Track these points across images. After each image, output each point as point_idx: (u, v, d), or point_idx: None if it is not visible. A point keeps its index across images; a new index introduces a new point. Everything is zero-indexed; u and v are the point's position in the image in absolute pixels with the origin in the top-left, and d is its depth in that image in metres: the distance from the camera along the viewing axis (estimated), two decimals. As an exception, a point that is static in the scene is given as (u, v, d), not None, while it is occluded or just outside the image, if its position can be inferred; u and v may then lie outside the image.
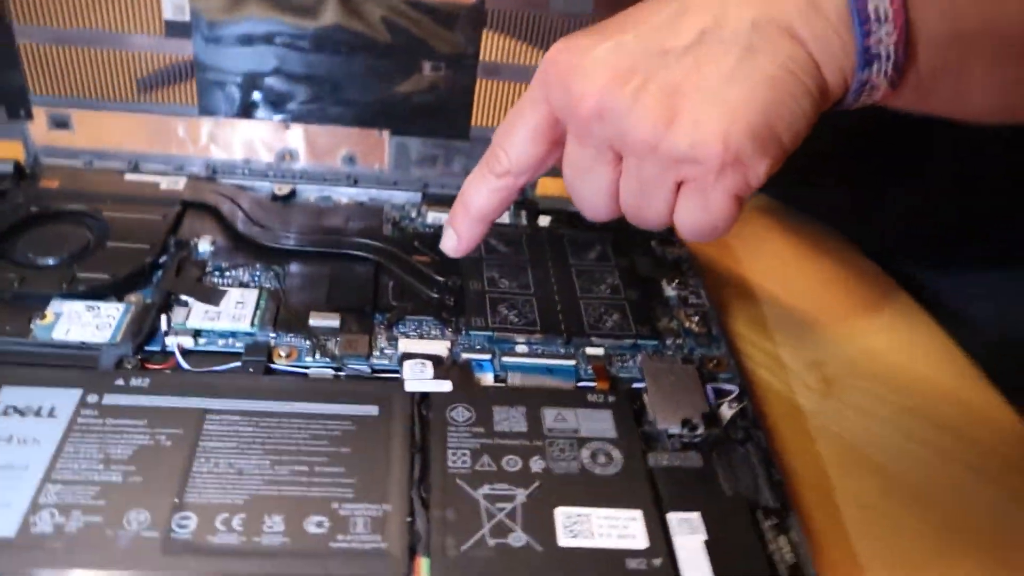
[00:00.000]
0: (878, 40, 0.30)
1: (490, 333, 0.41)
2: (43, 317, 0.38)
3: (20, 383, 0.34)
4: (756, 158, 0.31)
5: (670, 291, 0.46)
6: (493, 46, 0.46)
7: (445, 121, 0.49)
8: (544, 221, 0.49)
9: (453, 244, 0.39)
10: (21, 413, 0.33)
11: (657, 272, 0.47)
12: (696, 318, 0.44)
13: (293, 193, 0.49)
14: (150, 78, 0.48)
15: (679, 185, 0.33)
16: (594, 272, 0.45)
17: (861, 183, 0.56)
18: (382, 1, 0.45)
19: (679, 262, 0.48)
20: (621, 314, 0.43)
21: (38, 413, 0.33)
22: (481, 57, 0.47)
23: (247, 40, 0.45)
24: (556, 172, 0.35)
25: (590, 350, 0.41)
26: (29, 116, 0.47)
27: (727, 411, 0.39)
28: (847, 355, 0.47)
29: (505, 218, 0.49)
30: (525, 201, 0.51)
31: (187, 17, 0.44)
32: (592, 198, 0.35)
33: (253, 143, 0.49)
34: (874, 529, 0.37)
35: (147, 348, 0.38)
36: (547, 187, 0.52)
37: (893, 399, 0.44)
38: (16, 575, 0.28)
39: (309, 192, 0.50)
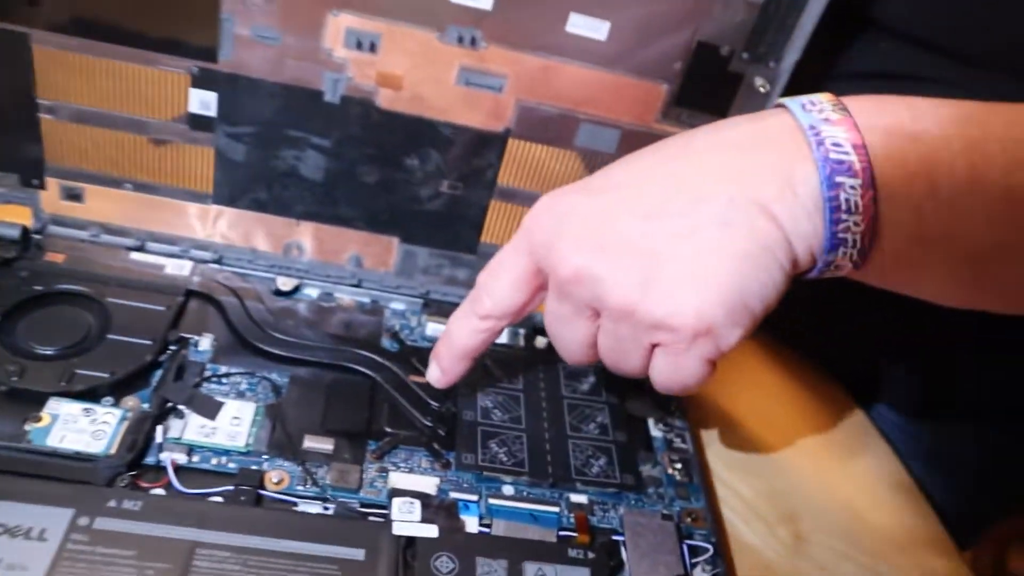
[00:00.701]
0: (846, 228, 0.33)
1: (479, 472, 0.41)
2: (39, 419, 0.38)
3: (13, 498, 0.34)
4: (728, 328, 0.33)
5: (656, 432, 0.47)
6: (512, 171, 0.47)
7: (455, 234, 0.49)
8: (541, 343, 0.50)
9: (437, 376, 0.42)
10: (11, 533, 0.33)
11: (646, 411, 0.47)
12: (679, 465, 0.45)
13: (297, 288, 0.49)
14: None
15: (654, 346, 0.35)
16: (584, 408, 0.46)
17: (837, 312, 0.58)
18: (411, 117, 0.45)
19: (668, 400, 0.48)
20: (607, 458, 0.44)
21: (28, 535, 0.33)
22: (499, 180, 0.48)
23: (270, 142, 0.46)
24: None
25: (574, 497, 0.42)
26: (42, 186, 0.47)
27: (700, 574, 0.40)
28: (821, 506, 0.48)
29: (504, 338, 0.49)
30: (525, 320, 0.51)
31: (213, 113, 0.45)
32: (571, 347, 0.38)
33: (262, 234, 0.49)
34: None
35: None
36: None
37: (861, 560, 0.46)
38: None
39: (312, 288, 0.50)
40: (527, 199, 0.48)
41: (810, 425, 0.54)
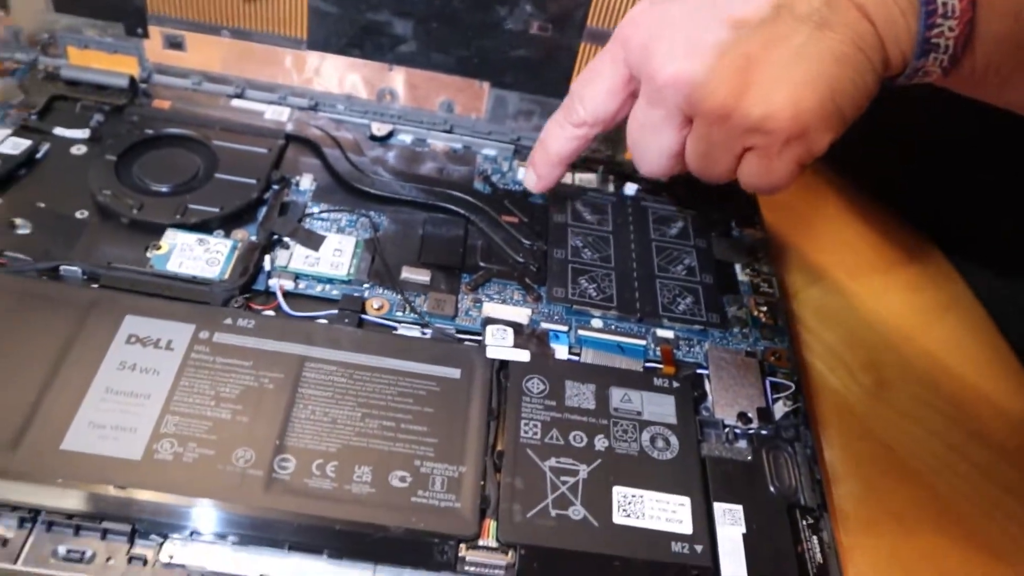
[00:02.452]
0: (939, 33, 0.32)
1: (569, 306, 0.43)
2: (159, 247, 0.41)
3: (141, 313, 0.37)
4: (821, 131, 0.33)
5: (743, 276, 0.47)
6: (602, 12, 0.46)
7: (546, 78, 0.49)
8: (631, 189, 0.50)
9: (533, 182, 0.44)
10: (142, 343, 0.36)
11: (733, 256, 0.48)
12: (765, 308, 0.45)
13: (391, 134, 0.51)
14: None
15: (746, 149, 0.35)
16: (673, 250, 0.47)
17: (937, 169, 0.56)
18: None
19: (756, 247, 0.49)
20: (694, 298, 0.44)
21: (157, 344, 0.36)
22: (589, 21, 0.47)
23: (362, -18, 0.46)
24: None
25: (660, 332, 0.43)
26: (145, 35, 0.49)
27: (781, 408, 0.41)
28: (904, 356, 0.48)
29: (593, 183, 0.50)
30: (614, 165, 0.52)
31: (306, -47, 0.45)
32: (655, 157, 0.38)
33: (356, 80, 0.50)
34: (901, 539, 0.40)
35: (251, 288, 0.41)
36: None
37: (943, 408, 0.46)
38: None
39: (405, 134, 0.51)
40: None
41: (899, 278, 0.53)
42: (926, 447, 0.43)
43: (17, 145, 0.45)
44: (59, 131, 0.46)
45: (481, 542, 0.33)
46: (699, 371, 0.42)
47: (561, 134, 0.41)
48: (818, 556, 0.36)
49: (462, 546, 0.33)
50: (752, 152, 0.34)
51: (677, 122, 0.36)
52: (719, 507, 0.36)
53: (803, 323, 0.48)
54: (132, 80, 0.50)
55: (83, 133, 0.46)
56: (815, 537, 0.36)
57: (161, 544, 0.31)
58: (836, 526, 0.37)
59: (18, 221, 0.41)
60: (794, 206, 0.56)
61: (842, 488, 0.41)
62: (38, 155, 0.45)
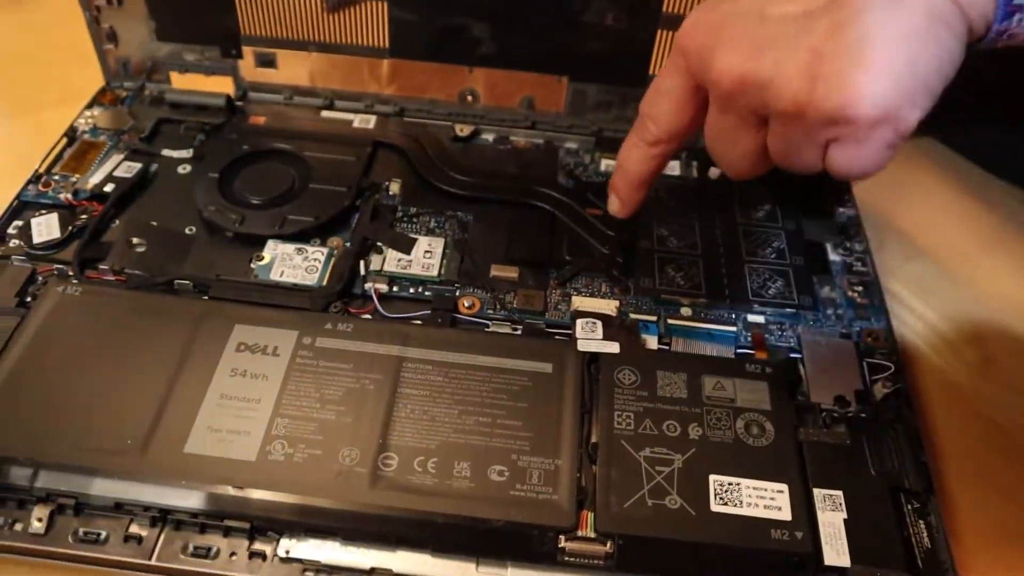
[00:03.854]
0: None
1: (657, 296, 0.43)
2: (261, 258, 0.43)
3: (249, 322, 0.39)
4: (906, 110, 0.31)
5: (835, 256, 0.46)
6: (677, -1, 0.47)
7: (624, 68, 0.49)
8: (714, 174, 0.50)
9: (617, 207, 0.42)
10: (251, 350, 0.38)
11: (824, 236, 0.47)
12: (859, 288, 0.45)
13: (474, 134, 0.52)
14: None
15: (830, 141, 0.33)
16: (760, 234, 0.46)
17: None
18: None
19: (848, 226, 0.48)
20: (784, 281, 0.44)
21: (264, 351, 0.38)
22: (664, 8, 0.47)
23: (439, -9, 0.47)
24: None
25: (751, 317, 0.43)
26: (239, 55, 0.52)
27: (880, 389, 0.40)
28: (1012, 330, 0.46)
29: (676, 169, 0.50)
30: (697, 151, 0.51)
31: (385, -32, 0.47)
32: (736, 161, 0.37)
33: (437, 84, 0.52)
34: (1014, 520, 0.38)
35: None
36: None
37: (1056, 381, 0.44)
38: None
39: (488, 133, 0.52)
40: None
41: (1005, 249, 0.51)
42: (1039, 425, 0.42)
43: (130, 169, 0.48)
44: (166, 152, 0.50)
45: (580, 533, 0.34)
46: (792, 355, 0.41)
47: (638, 155, 0.40)
48: (926, 540, 0.35)
49: (561, 537, 0.34)
50: (837, 143, 0.33)
51: (752, 124, 0.35)
52: (819, 493, 0.36)
53: (901, 301, 0.47)
54: (229, 99, 0.53)
55: (187, 153, 0.49)
56: (922, 521, 0.35)
57: (278, 541, 0.34)
58: (944, 509, 0.37)
59: (135, 240, 0.44)
60: (889, 180, 0.54)
61: (949, 469, 0.40)
62: (149, 176, 0.48)
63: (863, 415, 0.39)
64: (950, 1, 0.31)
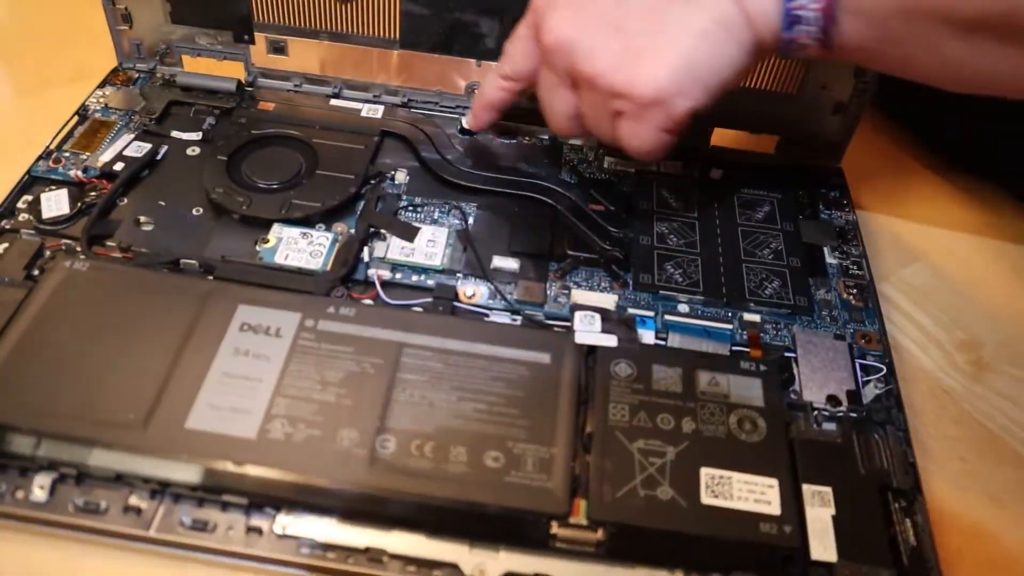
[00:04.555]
0: (800, 6, 0.35)
1: (655, 292, 0.44)
2: (267, 241, 0.44)
3: (253, 303, 0.40)
4: (678, 99, 0.37)
5: (832, 259, 0.47)
6: None
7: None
8: (716, 174, 0.50)
9: (469, 120, 0.48)
10: (254, 331, 0.39)
11: (821, 238, 0.48)
12: (854, 290, 0.45)
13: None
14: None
15: (619, 113, 0.39)
16: (759, 234, 0.47)
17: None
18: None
19: (845, 230, 0.48)
20: (781, 281, 0.45)
21: (267, 332, 0.39)
22: (671, 9, 0.47)
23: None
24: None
25: (747, 316, 0.43)
26: (252, 41, 0.52)
27: (872, 390, 0.41)
28: (1006, 335, 0.47)
29: (678, 169, 0.51)
30: (699, 152, 0.52)
31: (399, -43, 0.47)
32: (556, 116, 0.42)
33: (445, 76, 0.52)
34: (1001, 525, 0.39)
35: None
36: (721, 138, 0.53)
37: (1049, 390, 0.45)
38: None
39: (493, 126, 0.52)
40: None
41: (1000, 256, 0.52)
42: (1027, 430, 0.43)
43: (140, 148, 0.49)
44: (176, 134, 0.50)
45: (572, 520, 0.34)
46: (787, 354, 0.42)
47: (492, 83, 0.45)
48: (911, 538, 0.36)
49: (553, 524, 0.34)
50: (621, 117, 0.38)
51: (568, 84, 0.40)
52: (808, 489, 0.36)
53: (895, 305, 0.48)
54: (239, 84, 0.53)
55: (197, 135, 0.50)
56: (908, 520, 0.36)
57: (274, 517, 0.34)
58: (930, 509, 0.37)
59: (143, 219, 0.45)
60: (886, 186, 0.55)
61: (937, 471, 0.40)
62: (158, 157, 0.49)
63: (854, 415, 0.39)
64: (738, 10, 0.36)
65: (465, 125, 0.50)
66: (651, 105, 0.37)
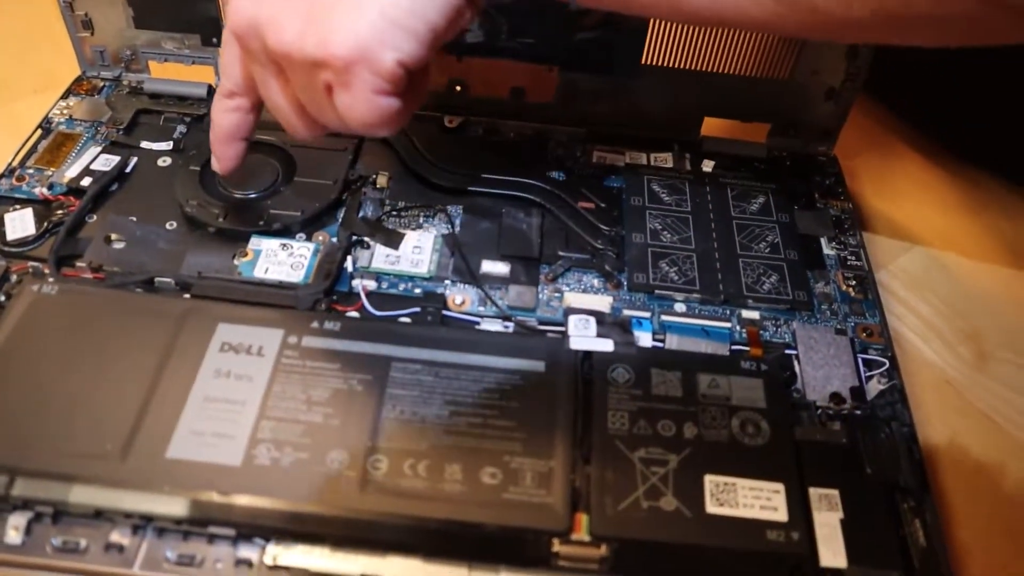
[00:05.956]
0: None
1: (650, 292, 0.42)
2: (245, 254, 0.42)
3: (233, 321, 0.38)
4: (382, 52, 0.32)
5: (829, 250, 0.46)
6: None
7: (615, 58, 0.49)
8: (708, 166, 0.49)
9: (215, 164, 0.42)
10: (235, 350, 0.37)
11: (818, 229, 0.47)
12: (853, 282, 0.44)
13: (462, 125, 0.51)
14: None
15: (327, 87, 0.34)
16: (755, 227, 0.46)
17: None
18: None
19: (842, 219, 0.47)
20: (779, 276, 0.43)
21: (249, 351, 0.37)
22: (656, -3, 0.46)
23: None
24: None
25: (746, 313, 0.42)
26: (220, 44, 0.50)
27: (876, 386, 0.40)
28: (1007, 323, 0.46)
29: (669, 162, 0.50)
30: (691, 145, 0.51)
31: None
32: (281, 114, 0.38)
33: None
34: (1012, 517, 0.38)
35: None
36: (711, 128, 0.52)
37: (1050, 377, 0.44)
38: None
39: (477, 125, 0.51)
40: (641, 15, 0.46)
41: (997, 242, 0.51)
42: (1034, 420, 0.42)
43: (108, 161, 0.47)
44: (146, 144, 0.48)
45: (574, 536, 0.33)
46: (788, 352, 0.41)
47: (220, 108, 0.40)
48: (921, 539, 0.34)
49: (555, 541, 0.33)
50: (334, 90, 0.33)
51: (272, 71, 0.35)
52: (815, 492, 0.35)
53: (895, 295, 0.47)
54: (210, 89, 0.51)
55: (167, 145, 0.48)
56: (917, 520, 0.35)
57: (264, 547, 0.33)
58: (939, 507, 0.36)
59: (114, 236, 0.43)
60: (881, 174, 0.54)
61: (944, 466, 0.39)
62: (127, 170, 0.47)
63: (858, 412, 0.38)
64: None
65: (214, 169, 0.42)
66: (352, 65, 0.32)
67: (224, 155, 0.41)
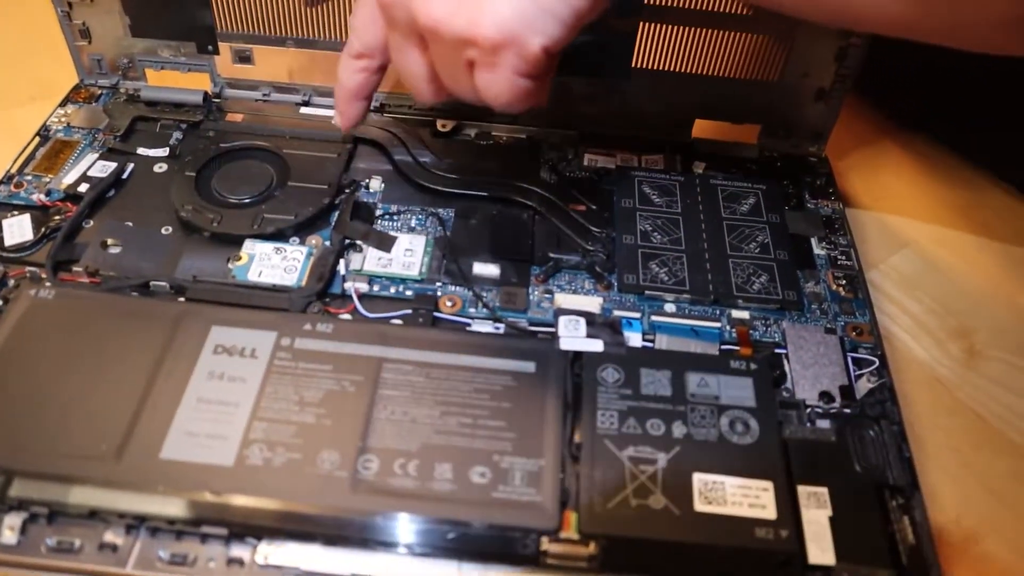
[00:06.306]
0: None
1: (640, 293, 0.43)
2: (239, 258, 0.43)
3: (227, 324, 0.39)
4: (530, 37, 0.33)
5: (820, 250, 0.46)
6: (659, -10, 0.46)
7: (607, 61, 0.49)
8: (699, 168, 0.49)
9: (338, 120, 0.43)
10: (229, 352, 0.38)
11: (808, 229, 0.47)
12: (843, 282, 0.44)
13: (455, 129, 0.51)
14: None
15: (469, 63, 0.35)
16: (745, 228, 0.46)
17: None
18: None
19: (832, 219, 0.47)
20: (769, 276, 0.44)
21: (242, 353, 0.38)
22: (646, 0, 0.46)
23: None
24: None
25: (736, 313, 0.42)
26: (216, 51, 0.51)
27: (865, 384, 0.40)
28: (997, 321, 0.46)
29: (660, 164, 0.50)
30: (682, 146, 0.51)
31: (361, -40, 0.46)
32: (412, 79, 0.38)
33: (418, 78, 0.51)
34: (1000, 516, 0.38)
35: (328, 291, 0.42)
36: (703, 129, 0.52)
37: (1040, 374, 0.44)
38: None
39: (470, 128, 0.52)
40: (678, 17, 0.47)
41: (988, 240, 0.51)
42: (1022, 416, 0.42)
43: (105, 168, 0.47)
44: (142, 151, 0.49)
45: (563, 534, 0.33)
46: (777, 351, 0.41)
47: (347, 68, 0.41)
48: (910, 537, 0.35)
49: (544, 539, 0.33)
50: (476, 67, 0.34)
51: (414, 41, 0.36)
52: (803, 490, 0.35)
53: (885, 295, 0.47)
54: (206, 96, 0.52)
55: (163, 151, 0.49)
56: (906, 517, 0.35)
57: (256, 547, 0.33)
58: (928, 504, 0.36)
59: (110, 241, 0.43)
60: (872, 174, 0.54)
61: (933, 463, 0.40)
62: (124, 176, 0.47)
63: (848, 410, 0.38)
64: None
65: (335, 124, 0.43)
66: (500, 48, 0.33)
67: (347, 113, 0.42)
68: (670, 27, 0.47)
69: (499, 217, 0.46)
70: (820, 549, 0.34)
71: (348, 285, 0.42)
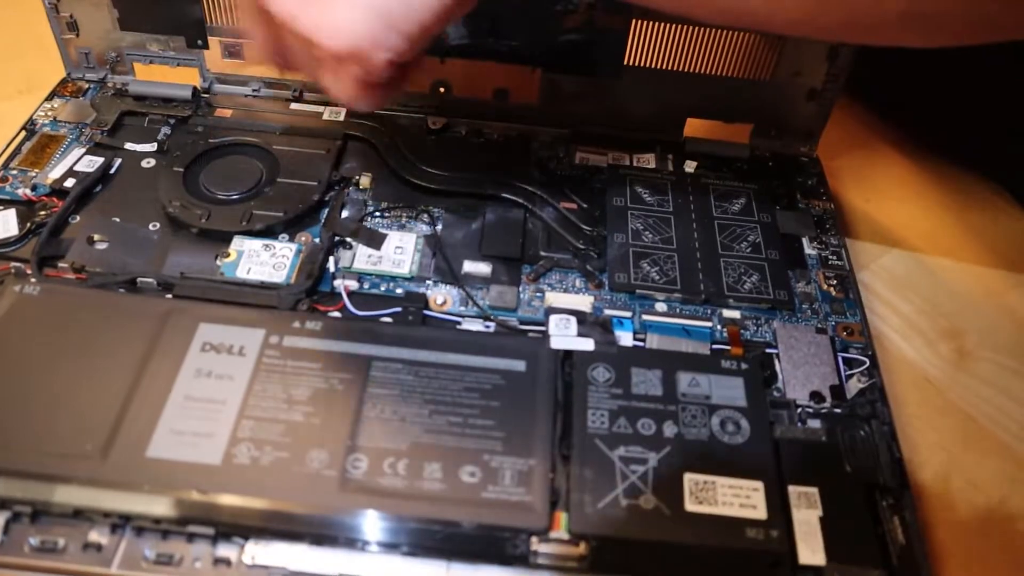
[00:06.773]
0: None
1: (631, 292, 0.42)
2: (227, 255, 0.42)
3: (215, 321, 0.38)
4: (374, 52, 0.33)
5: (811, 250, 0.46)
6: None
7: (597, 60, 0.49)
8: (690, 167, 0.49)
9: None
10: (216, 350, 0.37)
11: (800, 229, 0.47)
12: (834, 281, 0.44)
13: (446, 126, 0.51)
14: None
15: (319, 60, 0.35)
16: (736, 227, 0.46)
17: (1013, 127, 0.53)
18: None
19: (823, 219, 0.47)
20: (760, 275, 0.44)
21: (230, 351, 0.37)
22: (637, -1, 0.46)
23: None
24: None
25: (727, 312, 0.42)
26: (205, 46, 0.50)
27: (856, 384, 0.40)
28: (987, 321, 0.46)
29: (652, 162, 0.50)
30: (674, 144, 0.51)
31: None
32: (301, 67, 0.37)
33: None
34: (989, 515, 0.38)
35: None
36: (694, 128, 0.52)
37: (1030, 375, 0.44)
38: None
39: (460, 126, 0.51)
40: (669, 15, 0.47)
41: (978, 240, 0.51)
42: (1012, 416, 0.42)
43: (92, 163, 0.47)
44: (130, 146, 0.48)
45: (553, 534, 0.33)
46: (768, 351, 0.41)
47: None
48: (900, 537, 0.35)
49: (534, 539, 0.33)
50: (321, 67, 0.35)
51: (263, 19, 0.35)
52: (794, 490, 0.35)
53: (876, 295, 0.47)
54: (195, 91, 0.51)
55: (151, 146, 0.48)
56: (896, 517, 0.35)
57: (243, 546, 0.33)
58: (918, 504, 0.36)
59: (97, 236, 0.43)
60: (863, 174, 0.54)
61: (923, 463, 0.40)
62: (111, 171, 0.47)
63: (838, 411, 0.38)
64: None
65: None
66: (344, 59, 0.33)
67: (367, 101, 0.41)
68: (662, 25, 0.47)
69: (490, 215, 0.46)
70: (810, 549, 0.34)
71: (338, 283, 0.42)
